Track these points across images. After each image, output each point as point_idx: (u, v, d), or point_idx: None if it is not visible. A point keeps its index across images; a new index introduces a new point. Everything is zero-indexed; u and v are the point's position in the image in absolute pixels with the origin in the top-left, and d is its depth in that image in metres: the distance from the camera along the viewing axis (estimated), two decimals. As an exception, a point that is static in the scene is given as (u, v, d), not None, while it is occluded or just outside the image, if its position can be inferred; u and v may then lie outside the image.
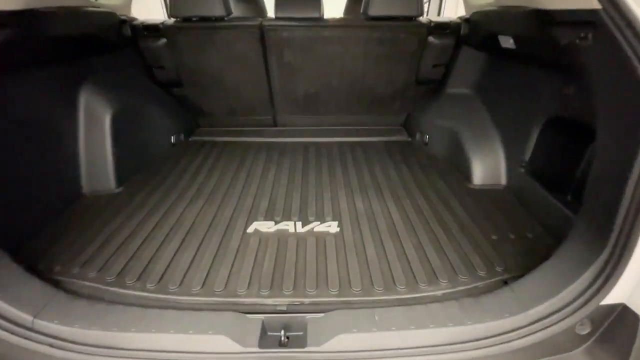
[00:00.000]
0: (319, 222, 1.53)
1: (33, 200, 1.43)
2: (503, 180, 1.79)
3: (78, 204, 1.64)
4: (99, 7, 1.83)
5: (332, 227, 1.50)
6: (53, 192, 1.53)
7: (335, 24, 1.98)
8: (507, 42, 1.60)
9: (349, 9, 3.03)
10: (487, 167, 1.84)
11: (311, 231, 1.48)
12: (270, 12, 2.49)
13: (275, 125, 2.62)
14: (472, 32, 2.00)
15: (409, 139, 2.43)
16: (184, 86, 2.32)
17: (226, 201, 1.68)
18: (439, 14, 3.33)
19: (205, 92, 2.36)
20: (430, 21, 2.02)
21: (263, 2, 3.29)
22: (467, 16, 2.04)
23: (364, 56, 2.13)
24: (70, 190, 1.66)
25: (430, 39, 2.08)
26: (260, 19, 2.01)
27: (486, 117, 1.91)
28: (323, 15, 2.03)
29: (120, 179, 1.78)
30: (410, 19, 1.99)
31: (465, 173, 1.90)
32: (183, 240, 1.41)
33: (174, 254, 1.32)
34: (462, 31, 2.07)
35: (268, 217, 1.57)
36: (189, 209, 1.62)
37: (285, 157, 2.14)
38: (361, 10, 2.01)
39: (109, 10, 1.87)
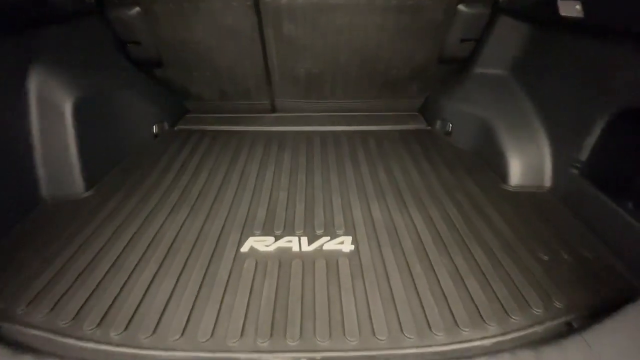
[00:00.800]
0: (328, 238, 1.25)
1: None
2: (547, 182, 1.50)
3: (36, 212, 1.35)
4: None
5: (346, 244, 1.22)
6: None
7: None
8: (570, 7, 1.25)
9: None
10: (527, 165, 1.54)
11: (320, 250, 1.20)
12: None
13: (274, 111, 2.29)
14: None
15: (428, 127, 2.11)
16: (165, 66, 1.97)
17: (215, 209, 1.39)
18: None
19: (190, 73, 2.01)
20: None
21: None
22: None
23: (379, 28, 1.77)
24: (25, 196, 1.36)
25: (461, 7, 1.71)
26: None
27: (527, 104, 1.59)
28: None
29: (89, 181, 1.49)
30: None
31: (499, 171, 1.60)
32: (161, 264, 1.13)
33: (148, 285, 1.05)
34: None
35: (266, 230, 1.29)
36: (170, 220, 1.33)
37: (286, 151, 1.83)
38: None
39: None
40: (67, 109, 1.42)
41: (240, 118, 2.22)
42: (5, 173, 1.28)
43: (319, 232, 1.29)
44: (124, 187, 1.52)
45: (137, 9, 1.70)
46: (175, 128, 2.11)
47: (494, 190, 1.52)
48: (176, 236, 1.25)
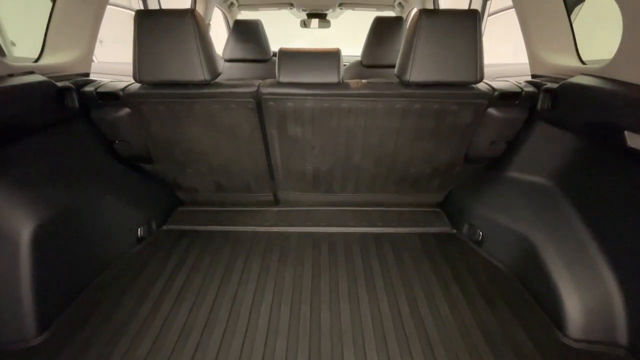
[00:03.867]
0: None
1: None
2: (622, 339, 1.16)
3: None
4: (30, 71, 1.31)
5: None
6: None
7: (359, 92, 1.43)
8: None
9: (368, 49, 2.49)
10: (590, 310, 1.21)
11: None
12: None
13: (277, 204, 2.05)
14: (564, 112, 1.37)
15: (453, 231, 1.82)
16: (155, 162, 1.77)
17: None
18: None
19: (184, 169, 1.80)
20: (493, 89, 1.44)
21: (267, 43, 2.79)
22: (550, 84, 1.44)
23: (398, 131, 1.56)
24: None
25: (491, 110, 1.50)
26: (257, 82, 1.47)
27: (582, 229, 1.30)
28: (342, 79, 1.48)
29: (42, 322, 1.20)
30: (465, 85, 1.42)
31: (552, 312, 1.28)
32: None
33: None
34: (540, 105, 1.48)
35: None
36: None
37: (288, 265, 1.55)
38: (396, 73, 1.46)
39: (41, 79, 1.33)
40: (23, 239, 1.18)
41: (238, 212, 1.97)
42: None
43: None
44: (86, 327, 1.23)
45: (127, 109, 1.53)
46: (165, 227, 1.86)
47: (550, 344, 1.18)
48: None
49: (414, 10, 2.83)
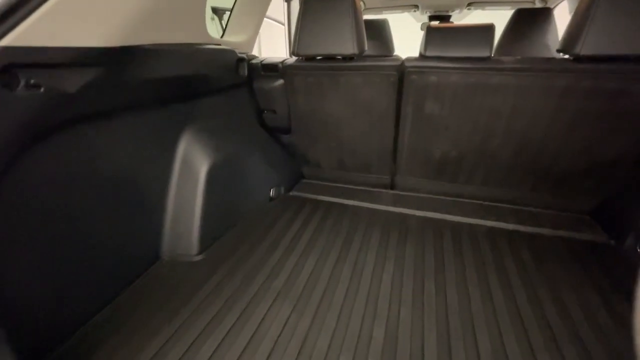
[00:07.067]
0: None
1: (100, 271, 1.15)
2: None
3: (153, 269, 1.34)
4: (219, 44, 1.62)
5: None
6: (125, 260, 1.25)
7: (514, 66, 1.34)
8: None
9: (505, 45, 2.33)
10: None
11: None
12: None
13: (392, 188, 2.05)
14: None
15: (610, 241, 1.53)
16: (292, 133, 1.97)
17: (322, 313, 1.14)
18: None
19: (315, 142, 1.96)
20: None
21: (392, 41, 2.86)
22: None
23: (553, 113, 1.40)
24: (150, 252, 1.38)
25: None
26: (400, 57, 1.52)
27: None
28: (492, 54, 1.41)
29: (203, 244, 1.45)
30: None
31: None
32: None
33: None
34: None
35: None
36: (273, 314, 1.14)
37: (408, 244, 1.52)
38: (560, 46, 1.33)
39: (228, 48, 1.64)
40: (202, 173, 1.45)
41: (355, 191, 2.04)
42: (140, 229, 1.31)
43: (461, 390, 0.90)
44: (232, 257, 1.43)
45: (281, 81, 1.76)
46: (290, 193, 2.05)
47: None
48: (276, 341, 1.03)
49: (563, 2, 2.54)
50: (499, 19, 2.60)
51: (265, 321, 1.11)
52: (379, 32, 2.84)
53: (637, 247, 1.42)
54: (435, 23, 1.50)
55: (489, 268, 1.36)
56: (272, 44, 4.62)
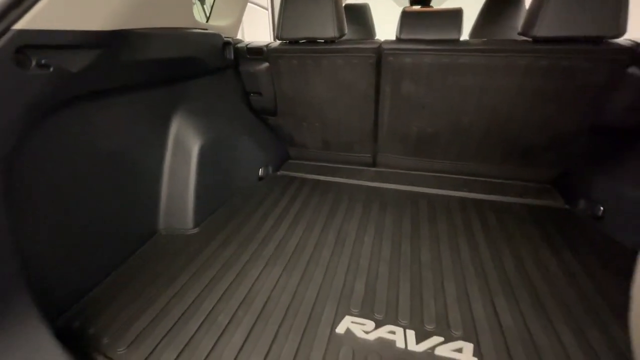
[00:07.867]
0: (442, 339, 1.01)
1: (103, 241, 1.25)
2: None
3: (151, 243, 1.45)
4: (205, 29, 1.69)
5: (465, 353, 0.96)
6: (126, 232, 1.35)
7: (480, 47, 1.47)
8: None
9: (479, 28, 2.47)
10: None
11: (431, 354, 0.97)
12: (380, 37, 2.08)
13: (374, 166, 2.19)
14: None
15: (566, 206, 1.72)
16: (278, 115, 2.07)
17: (310, 272, 1.28)
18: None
19: (300, 123, 2.07)
20: (637, 44, 1.35)
21: (373, 25, 2.96)
22: None
23: (517, 91, 1.55)
24: (147, 226, 1.48)
25: (633, 70, 1.39)
26: (379, 40, 1.63)
27: None
28: (460, 36, 1.54)
29: (197, 219, 1.56)
30: (602, 40, 1.35)
31: None
32: (252, 328, 1.04)
33: (238, 352, 0.96)
34: None
35: (365, 311, 1.11)
36: (265, 274, 1.27)
37: (388, 213, 1.67)
38: (520, 30, 1.46)
39: (214, 32, 1.71)
40: (194, 152, 1.54)
41: (339, 169, 2.17)
42: (138, 204, 1.41)
43: (429, 327, 1.05)
44: (226, 230, 1.54)
45: (266, 64, 1.85)
46: (278, 173, 2.16)
47: None
48: (269, 296, 1.17)
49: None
50: (476, 3, 2.72)
51: (259, 280, 1.24)
52: (360, 17, 2.93)
53: (587, 210, 1.61)
54: (416, 7, 1.62)
55: (458, 231, 1.52)
56: (255, 27, 4.63)
